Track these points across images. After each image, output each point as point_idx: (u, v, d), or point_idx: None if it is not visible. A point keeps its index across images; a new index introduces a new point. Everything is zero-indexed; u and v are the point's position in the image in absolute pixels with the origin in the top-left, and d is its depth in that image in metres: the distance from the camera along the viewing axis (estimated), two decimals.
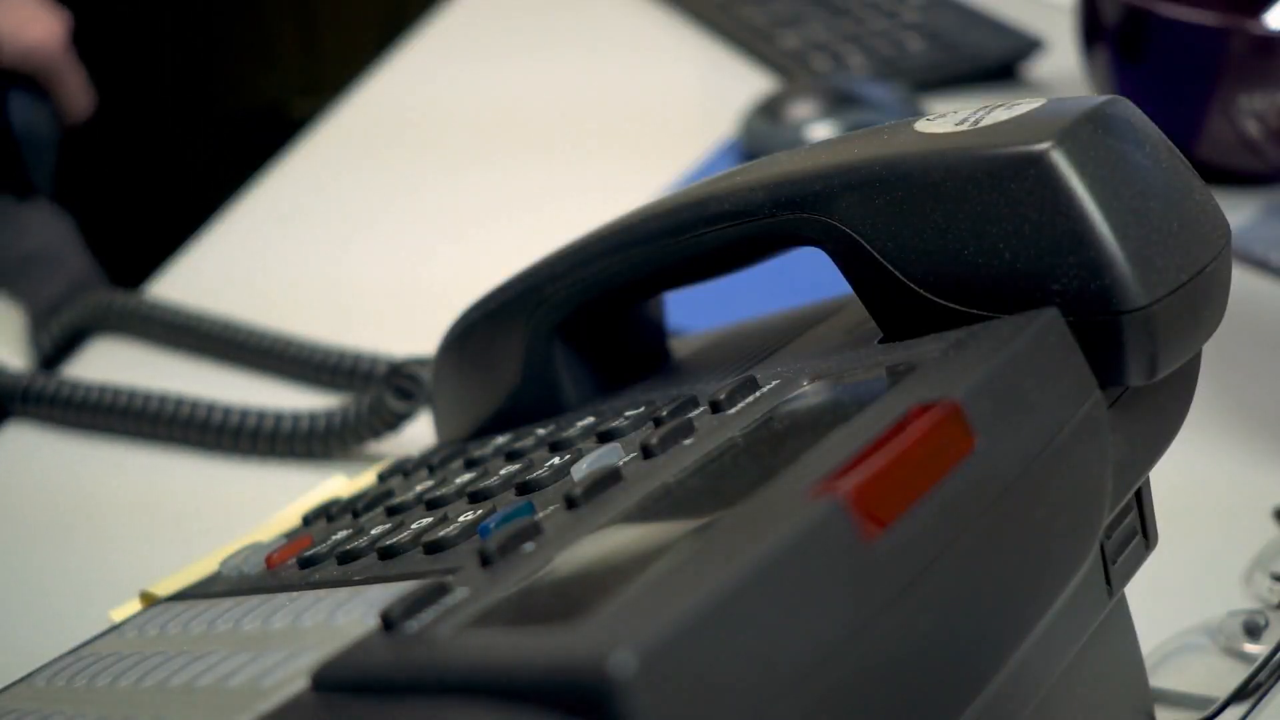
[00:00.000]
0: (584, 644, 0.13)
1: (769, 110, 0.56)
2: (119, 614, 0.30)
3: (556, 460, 0.23)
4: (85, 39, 0.55)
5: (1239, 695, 0.29)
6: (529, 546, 0.18)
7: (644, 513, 0.18)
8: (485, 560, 0.18)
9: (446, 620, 0.16)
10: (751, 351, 0.27)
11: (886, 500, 0.15)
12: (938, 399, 0.17)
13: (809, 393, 0.22)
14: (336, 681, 0.16)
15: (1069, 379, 0.19)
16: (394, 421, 0.38)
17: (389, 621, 0.17)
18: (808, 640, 0.14)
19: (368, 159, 0.58)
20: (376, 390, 0.38)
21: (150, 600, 0.30)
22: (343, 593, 0.21)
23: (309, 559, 0.25)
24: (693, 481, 0.19)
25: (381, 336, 0.45)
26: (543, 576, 0.17)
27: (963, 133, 0.22)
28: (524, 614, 0.15)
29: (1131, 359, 0.20)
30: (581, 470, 0.22)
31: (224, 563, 0.29)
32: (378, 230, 0.52)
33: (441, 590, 0.17)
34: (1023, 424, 0.18)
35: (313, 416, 0.38)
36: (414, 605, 0.17)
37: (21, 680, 0.27)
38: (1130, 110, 0.22)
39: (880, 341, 0.23)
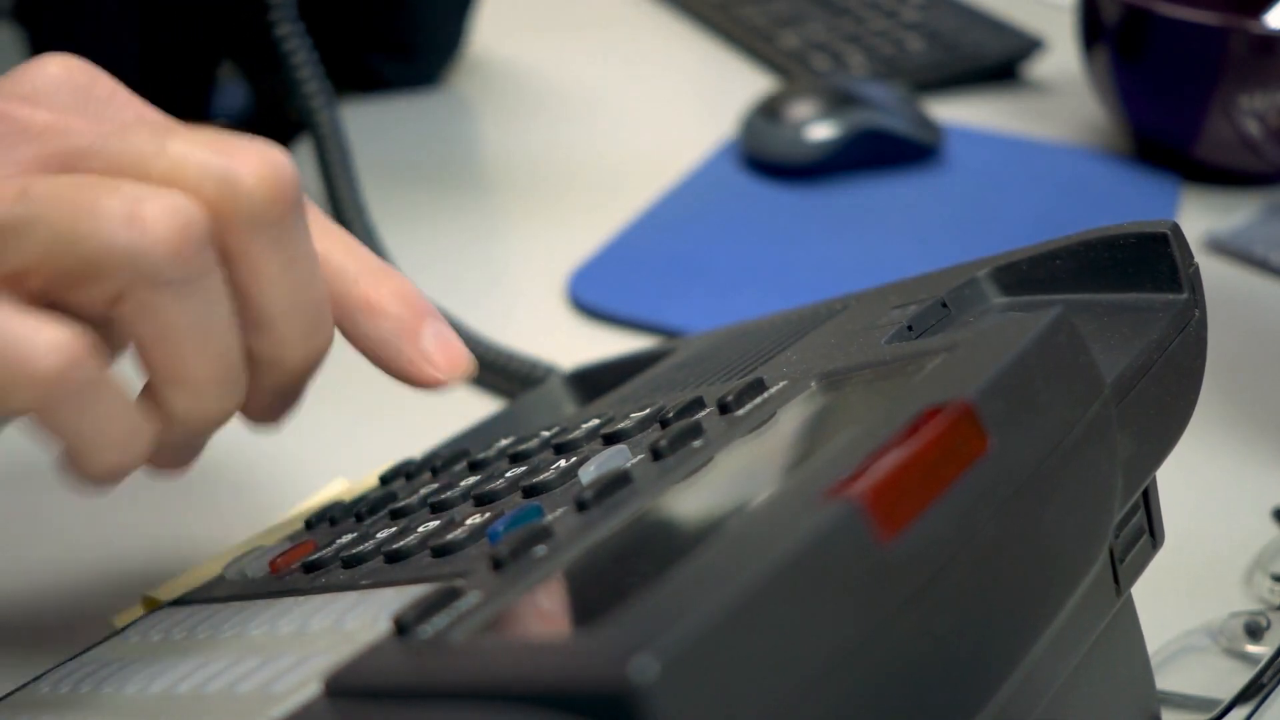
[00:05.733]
0: (604, 649, 0.13)
1: (769, 110, 0.56)
2: (121, 619, 0.30)
3: (563, 463, 0.23)
4: (86, 41, 0.56)
5: (1243, 696, 0.29)
6: (540, 550, 0.18)
7: (657, 515, 0.18)
8: (497, 564, 0.18)
9: (460, 625, 0.16)
10: (756, 352, 0.27)
11: (902, 502, 0.15)
12: (950, 400, 0.17)
13: (817, 393, 0.22)
14: (350, 687, 0.16)
15: (1079, 378, 0.19)
16: None
17: (402, 626, 0.16)
18: (826, 642, 0.14)
19: (364, 155, 0.58)
20: None
21: (153, 605, 0.29)
22: (350, 597, 0.21)
23: (314, 563, 0.25)
24: (706, 483, 0.19)
25: None
26: (556, 580, 0.16)
27: None
28: (539, 618, 0.15)
29: None
30: (590, 472, 0.22)
31: (227, 567, 0.28)
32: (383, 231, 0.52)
33: (453, 594, 0.17)
34: (1034, 424, 0.18)
35: None
36: (427, 610, 0.17)
37: (24, 687, 0.26)
38: None
39: (886, 341, 0.23)
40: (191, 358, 0.22)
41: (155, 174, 0.22)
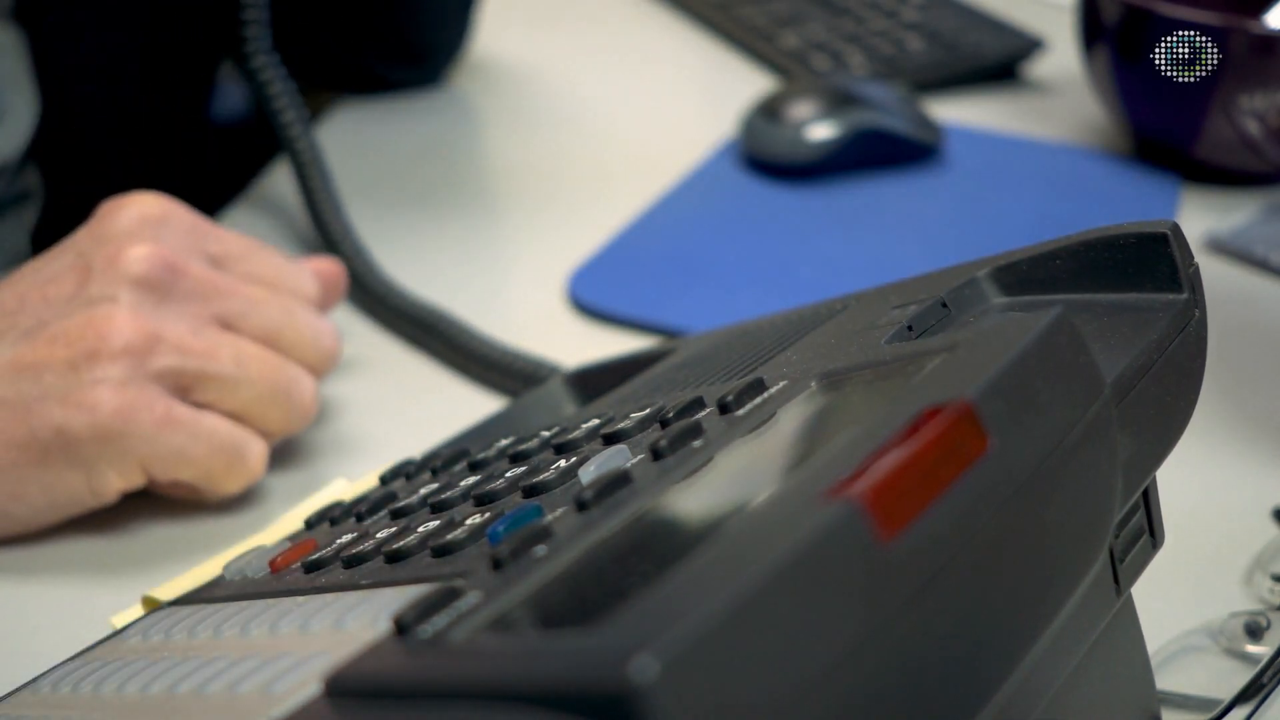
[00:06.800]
0: (604, 648, 0.13)
1: (769, 110, 0.56)
2: (121, 619, 0.30)
3: (563, 463, 0.23)
4: (87, 42, 0.56)
5: (1243, 696, 0.29)
6: (540, 550, 0.18)
7: (657, 515, 0.18)
8: (497, 564, 0.18)
9: (461, 625, 0.16)
10: (756, 352, 0.27)
11: (902, 502, 0.15)
12: (950, 400, 0.17)
13: (817, 393, 0.22)
14: (350, 687, 0.16)
15: (1079, 378, 0.19)
16: None
17: (402, 626, 0.16)
18: (827, 642, 0.14)
19: (365, 156, 0.58)
20: None
21: (153, 605, 0.29)
22: (350, 597, 0.21)
23: (314, 563, 0.25)
24: (706, 483, 0.19)
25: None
26: (557, 580, 0.16)
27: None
28: (539, 618, 0.15)
29: None
30: (590, 472, 0.21)
31: (227, 567, 0.28)
32: (379, 226, 0.52)
33: (454, 594, 0.17)
34: (1034, 424, 0.18)
35: None
36: (426, 609, 0.17)
37: (24, 687, 0.26)
38: None
39: (886, 341, 0.23)
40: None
41: (286, 343, 0.36)
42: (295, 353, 0.36)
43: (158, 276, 0.33)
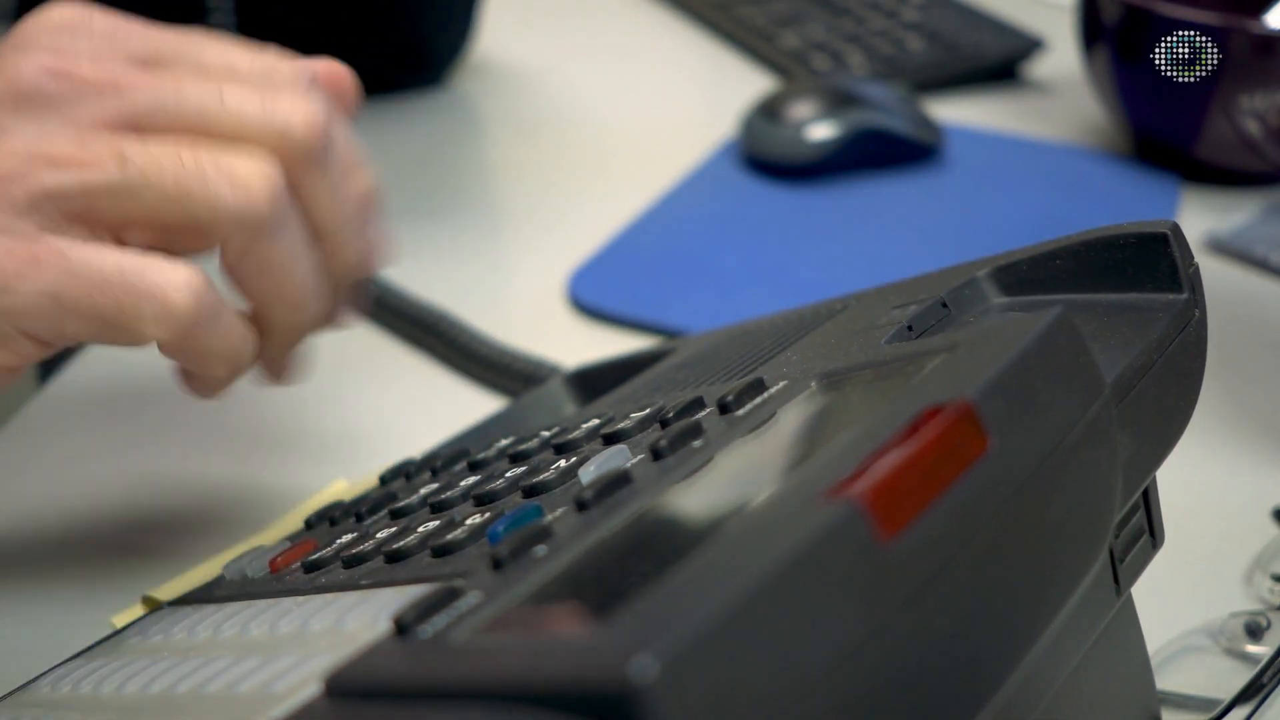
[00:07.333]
0: (604, 649, 0.13)
1: (769, 110, 0.56)
2: (121, 619, 0.30)
3: (563, 463, 0.23)
4: None
5: (1243, 696, 0.29)
6: (540, 550, 0.18)
7: (657, 515, 0.18)
8: (497, 564, 0.18)
9: (461, 625, 0.16)
10: (756, 352, 0.27)
11: (902, 502, 0.15)
12: (950, 400, 0.17)
13: (817, 393, 0.22)
14: (350, 687, 0.16)
15: (1079, 378, 0.19)
16: None
17: (402, 626, 0.17)
18: (827, 642, 0.14)
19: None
20: None
21: (153, 605, 0.29)
22: (350, 597, 0.21)
23: (314, 563, 0.25)
24: (706, 483, 0.19)
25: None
26: (557, 580, 0.16)
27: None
28: (540, 618, 0.15)
29: None
30: (590, 472, 0.21)
31: (227, 566, 0.28)
32: None
33: (454, 594, 0.17)
34: (1034, 424, 0.18)
35: None
36: (427, 609, 0.17)
37: (23, 687, 0.26)
38: None
39: (886, 341, 0.23)
40: (287, 280, 0.27)
41: (223, 131, 0.26)
42: (240, 139, 0.26)
43: (40, 89, 0.26)
